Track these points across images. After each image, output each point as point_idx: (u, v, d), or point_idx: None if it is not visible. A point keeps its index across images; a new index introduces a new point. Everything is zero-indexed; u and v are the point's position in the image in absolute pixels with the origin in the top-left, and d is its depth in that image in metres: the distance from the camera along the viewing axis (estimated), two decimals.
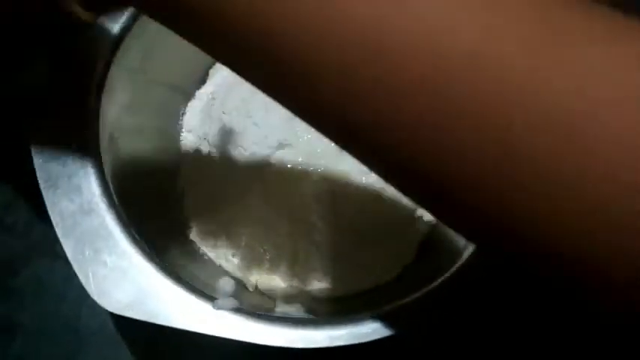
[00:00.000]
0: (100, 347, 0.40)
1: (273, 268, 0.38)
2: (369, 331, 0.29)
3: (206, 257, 0.39)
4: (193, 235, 0.40)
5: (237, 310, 0.29)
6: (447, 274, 0.31)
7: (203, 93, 0.43)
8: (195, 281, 0.31)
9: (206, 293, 0.30)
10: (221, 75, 0.44)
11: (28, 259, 0.42)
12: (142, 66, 0.37)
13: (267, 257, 0.38)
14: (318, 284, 0.38)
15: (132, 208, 0.33)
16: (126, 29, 0.35)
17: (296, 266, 0.38)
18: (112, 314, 0.39)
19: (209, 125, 0.41)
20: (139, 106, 0.38)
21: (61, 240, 0.30)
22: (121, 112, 0.35)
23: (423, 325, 0.30)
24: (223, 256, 0.39)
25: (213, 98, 0.42)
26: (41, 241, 0.42)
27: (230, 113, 0.40)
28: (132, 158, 0.36)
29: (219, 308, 0.29)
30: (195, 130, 0.42)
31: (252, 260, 0.38)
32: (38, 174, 0.31)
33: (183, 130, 0.43)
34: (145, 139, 0.39)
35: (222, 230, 0.39)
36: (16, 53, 0.35)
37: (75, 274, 0.40)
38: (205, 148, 0.41)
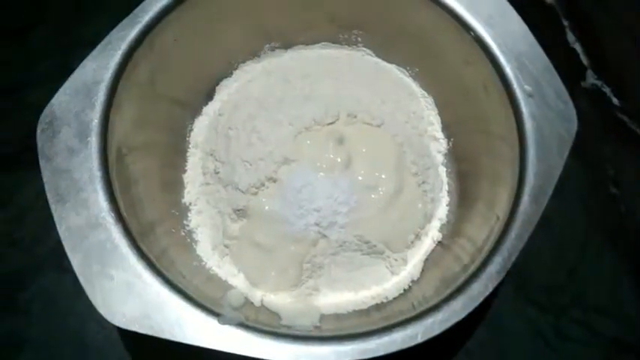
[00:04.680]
0: None
1: (279, 284, 0.38)
2: (374, 346, 0.29)
3: (212, 272, 0.39)
4: (200, 251, 0.40)
5: (242, 326, 0.29)
6: (452, 290, 0.31)
7: (210, 109, 0.44)
8: (201, 296, 0.31)
9: (211, 309, 0.30)
10: (228, 92, 0.44)
11: (35, 273, 0.42)
12: (151, 82, 0.38)
13: (273, 274, 0.38)
14: (324, 300, 0.38)
15: (139, 223, 0.33)
16: (135, 45, 0.36)
17: (302, 283, 0.38)
18: (118, 329, 0.39)
19: (215, 141, 0.41)
20: (147, 122, 0.38)
21: (68, 254, 0.30)
22: (129, 128, 0.36)
23: (429, 339, 0.29)
24: (229, 272, 0.39)
25: (220, 114, 0.43)
26: (48, 255, 0.42)
27: (236, 129, 0.40)
28: (139, 173, 0.36)
29: (224, 323, 0.29)
30: (201, 145, 0.43)
31: (258, 276, 0.38)
32: (47, 188, 0.32)
33: (190, 145, 0.43)
34: (152, 154, 0.39)
35: (227, 247, 0.39)
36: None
37: (82, 288, 0.41)
38: (211, 164, 0.41)
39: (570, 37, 0.38)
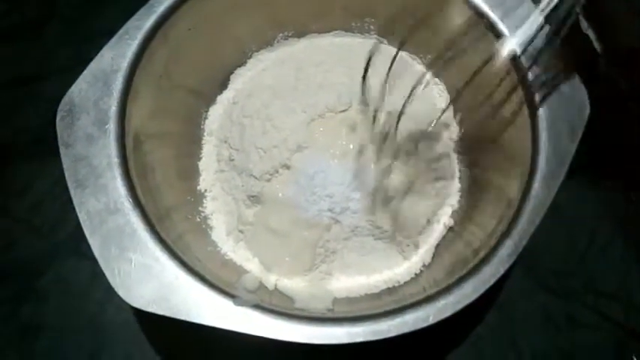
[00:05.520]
0: (124, 345, 0.41)
1: (292, 268, 0.39)
2: (387, 327, 0.29)
3: (227, 257, 0.40)
4: (215, 236, 0.40)
5: (258, 307, 0.30)
6: (463, 273, 0.31)
7: (224, 97, 0.45)
8: (216, 279, 0.32)
9: (227, 291, 0.31)
10: (242, 80, 0.45)
11: (53, 259, 0.43)
12: (166, 71, 0.38)
13: (287, 259, 0.39)
14: (337, 284, 0.39)
15: (156, 209, 0.34)
16: (150, 35, 0.36)
17: (315, 268, 0.39)
18: (135, 312, 0.40)
19: (230, 129, 0.42)
20: (162, 110, 0.39)
21: (88, 238, 0.31)
22: (145, 116, 0.37)
23: (440, 322, 0.30)
24: (244, 257, 0.40)
25: (234, 103, 0.43)
26: (66, 242, 0.43)
27: (250, 117, 0.41)
28: (156, 160, 0.37)
29: (239, 305, 0.30)
30: (216, 133, 0.43)
31: (273, 261, 0.39)
32: (67, 174, 0.32)
33: (205, 133, 0.44)
34: (168, 141, 0.40)
35: (242, 232, 0.40)
36: None
37: (99, 273, 0.41)
38: (226, 151, 0.42)
39: (583, 24, 0.38)
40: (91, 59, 0.35)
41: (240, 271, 0.39)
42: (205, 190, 0.42)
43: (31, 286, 0.42)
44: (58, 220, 0.44)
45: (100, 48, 0.36)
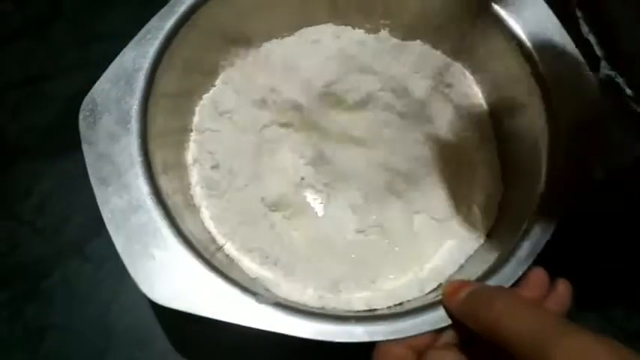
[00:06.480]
0: (128, 346, 0.41)
1: (304, 283, 0.37)
2: (407, 327, 0.30)
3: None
4: (227, 249, 0.39)
5: (279, 305, 0.30)
6: (483, 272, 0.32)
7: None
8: (237, 276, 0.32)
9: (248, 288, 0.31)
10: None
11: (58, 261, 0.43)
12: (186, 69, 0.39)
13: (297, 272, 0.38)
14: (350, 300, 0.37)
15: (178, 207, 0.34)
16: (172, 35, 0.37)
17: (328, 287, 0.37)
18: (141, 313, 0.41)
19: None
20: (183, 109, 0.39)
21: (112, 235, 0.31)
22: (167, 115, 0.37)
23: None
24: (255, 270, 0.38)
25: None
26: (70, 243, 0.43)
27: None
28: (177, 156, 0.37)
29: (261, 302, 0.30)
30: None
31: (283, 275, 0.38)
32: (90, 172, 0.33)
33: None
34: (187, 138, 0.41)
35: (250, 249, 0.38)
36: None
37: (103, 275, 0.42)
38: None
39: (584, 28, 0.38)
40: (97, 60, 0.36)
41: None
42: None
43: (36, 288, 0.42)
44: (62, 221, 0.44)
45: (106, 49, 0.36)
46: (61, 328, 0.41)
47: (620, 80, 0.36)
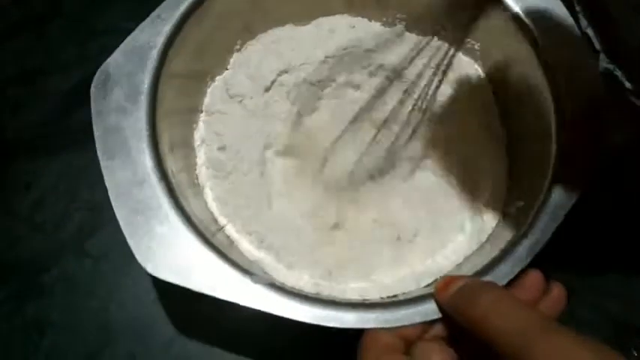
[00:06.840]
0: (128, 342, 0.41)
1: (300, 269, 0.38)
2: (399, 316, 0.30)
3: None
4: (228, 230, 0.39)
5: (273, 286, 0.31)
6: (478, 269, 0.32)
7: None
8: (235, 257, 0.32)
9: (245, 268, 0.31)
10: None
11: (57, 257, 0.43)
12: (197, 53, 0.39)
13: (294, 259, 0.38)
14: (345, 290, 0.37)
15: (182, 184, 0.34)
16: (185, 17, 0.37)
17: (324, 275, 0.38)
18: (140, 309, 0.41)
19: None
20: (192, 90, 0.40)
21: (115, 208, 0.32)
22: (177, 93, 0.37)
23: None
24: (254, 253, 0.38)
25: None
26: (70, 239, 0.44)
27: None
28: (185, 136, 0.38)
29: (256, 283, 0.31)
30: None
31: (280, 260, 0.38)
32: (97, 143, 0.33)
33: None
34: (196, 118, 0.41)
35: (249, 232, 0.38)
36: None
37: (103, 271, 0.42)
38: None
39: (583, 22, 0.38)
40: (95, 56, 0.36)
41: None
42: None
43: (35, 284, 0.42)
44: (61, 217, 0.44)
45: (105, 45, 0.36)
46: (61, 324, 0.41)
47: (619, 73, 0.36)
